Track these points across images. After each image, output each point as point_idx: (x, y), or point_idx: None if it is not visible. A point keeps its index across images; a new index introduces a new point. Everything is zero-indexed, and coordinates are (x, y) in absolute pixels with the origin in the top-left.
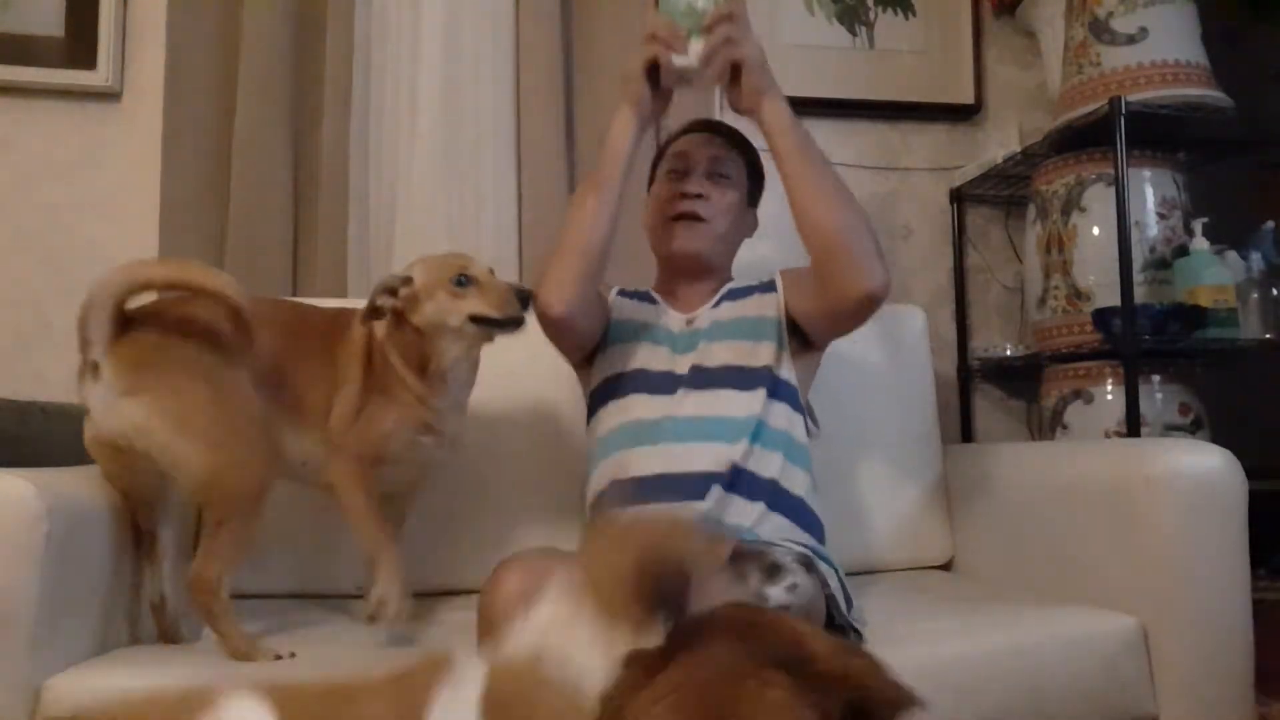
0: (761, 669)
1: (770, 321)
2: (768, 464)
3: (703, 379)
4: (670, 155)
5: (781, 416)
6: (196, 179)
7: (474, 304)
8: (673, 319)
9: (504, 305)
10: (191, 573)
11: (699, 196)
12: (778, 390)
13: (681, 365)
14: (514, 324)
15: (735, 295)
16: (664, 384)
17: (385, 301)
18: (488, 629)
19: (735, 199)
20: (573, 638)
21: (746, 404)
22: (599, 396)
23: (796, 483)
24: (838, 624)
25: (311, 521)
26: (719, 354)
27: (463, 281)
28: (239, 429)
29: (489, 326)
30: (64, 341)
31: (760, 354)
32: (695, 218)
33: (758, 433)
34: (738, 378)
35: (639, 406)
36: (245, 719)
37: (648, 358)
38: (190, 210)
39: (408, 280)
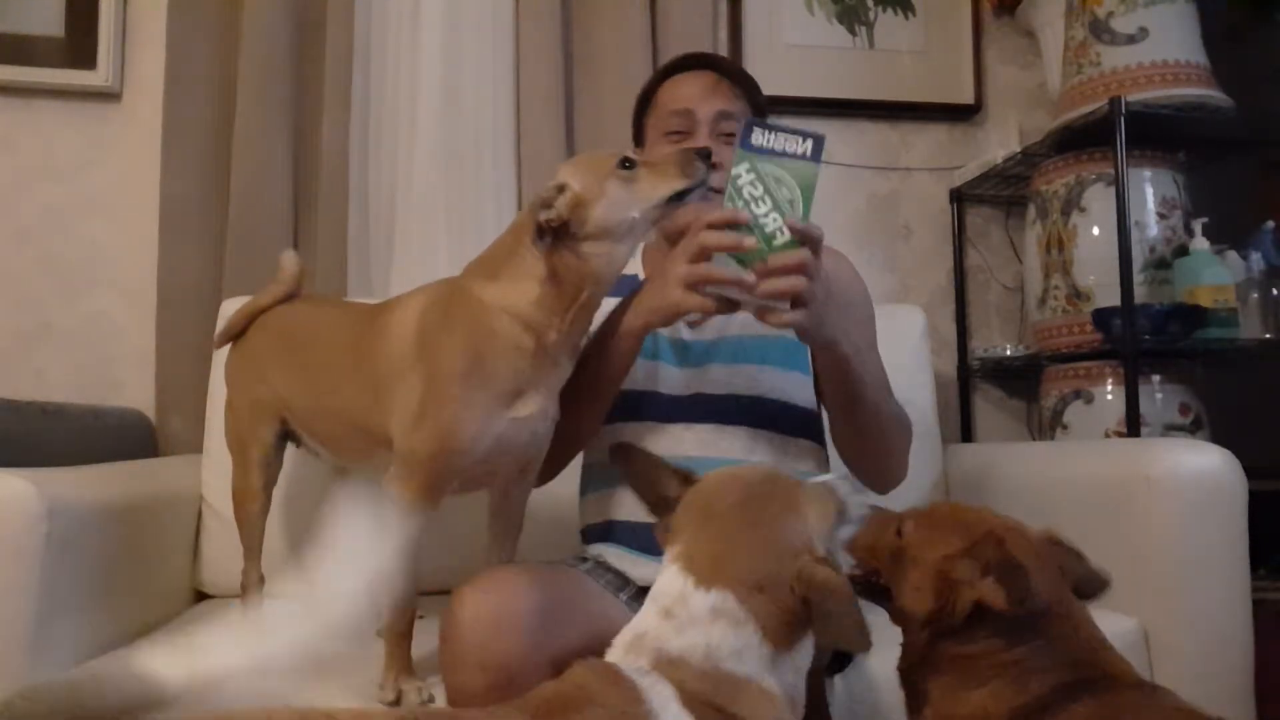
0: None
1: (790, 346)
2: None
3: (710, 411)
4: (668, 112)
5: (796, 453)
6: (196, 179)
7: (659, 184)
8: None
9: (691, 170)
10: None
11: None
12: (802, 426)
13: (678, 384)
14: (703, 186)
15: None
16: (655, 409)
17: (549, 215)
18: (452, 653)
19: None
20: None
21: (760, 445)
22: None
23: None
24: None
25: (311, 522)
26: (732, 380)
27: (629, 164)
28: None
29: (679, 200)
30: (64, 341)
31: (783, 385)
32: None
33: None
34: (752, 413)
35: (647, 437)
36: None
37: (649, 376)
38: (190, 210)
39: (561, 188)
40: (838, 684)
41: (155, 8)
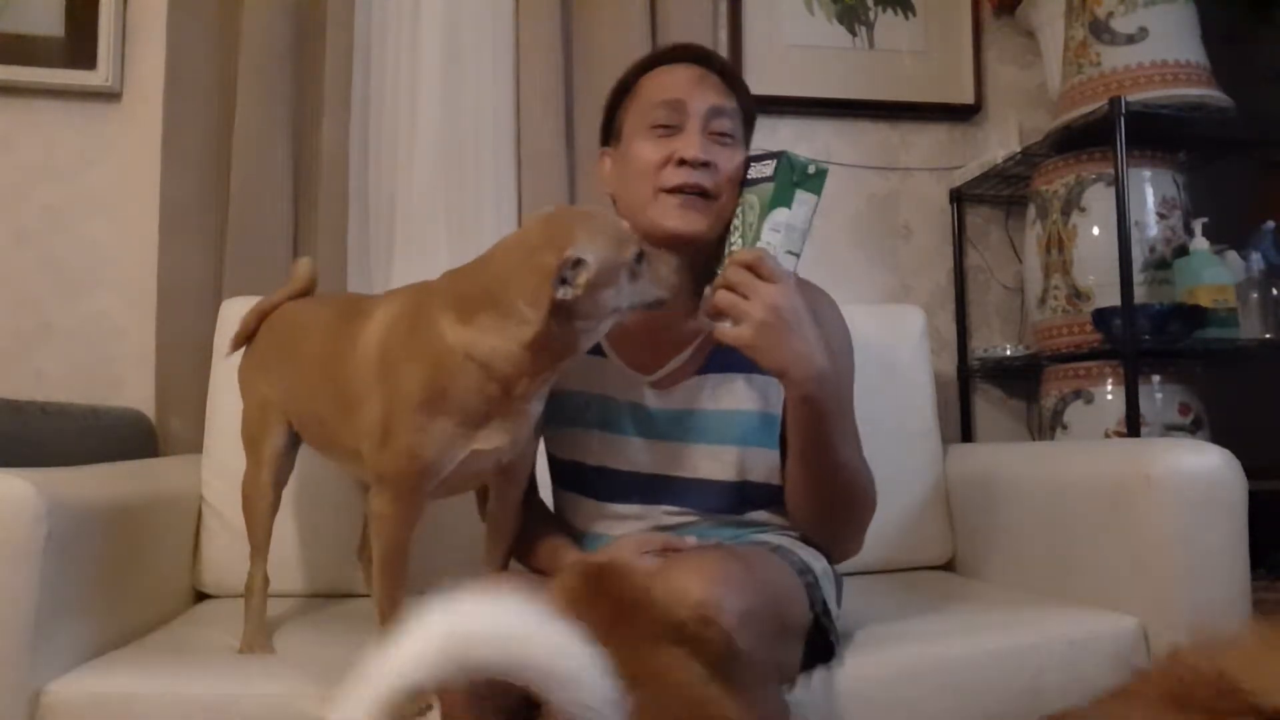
0: (659, 645)
1: (773, 421)
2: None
3: (683, 496)
4: (656, 102)
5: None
6: (196, 179)
7: (649, 287)
8: (629, 382)
9: (672, 282)
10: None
11: (705, 165)
12: (771, 500)
13: (641, 459)
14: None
15: (729, 365)
16: (631, 491)
17: (568, 294)
18: None
19: (740, 163)
20: None
21: (735, 518)
22: (559, 474)
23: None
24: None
25: (314, 521)
26: (704, 465)
27: (641, 259)
28: None
29: (651, 308)
30: (64, 341)
31: (759, 468)
32: (702, 194)
33: (741, 536)
34: (728, 498)
35: (604, 520)
36: None
37: (604, 450)
38: (190, 210)
39: (579, 263)
40: (816, 684)
41: (155, 8)
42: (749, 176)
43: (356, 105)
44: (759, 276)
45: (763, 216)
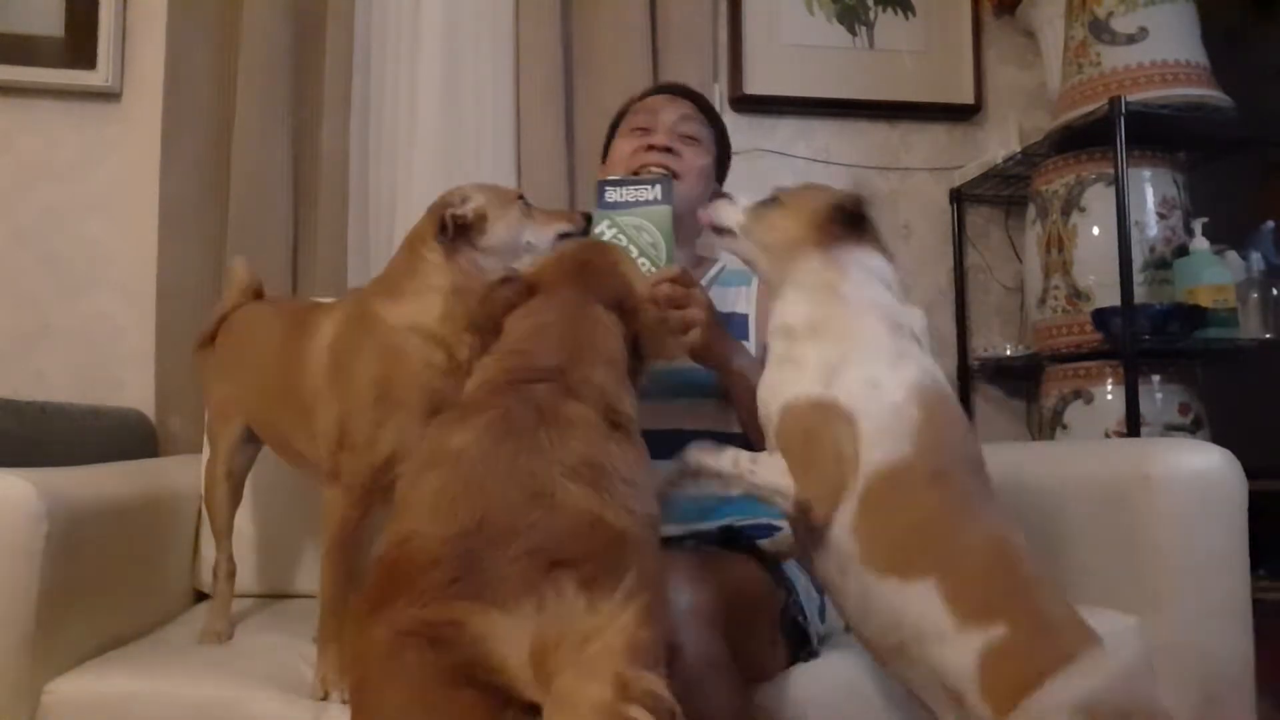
0: (595, 305)
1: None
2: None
3: (685, 386)
4: (633, 112)
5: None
6: (196, 179)
7: (554, 223)
8: None
9: (576, 220)
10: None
11: (668, 150)
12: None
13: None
14: (583, 233)
15: (723, 281)
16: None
17: (457, 211)
18: None
19: (707, 163)
20: None
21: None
22: None
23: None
24: (790, 615)
25: (306, 521)
26: (660, 416)
27: (528, 203)
28: None
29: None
30: (64, 341)
31: (715, 416)
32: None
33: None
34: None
35: None
36: None
37: None
38: (190, 210)
39: (466, 198)
40: (795, 681)
41: (155, 8)
42: (623, 199)
43: (356, 105)
44: (684, 285)
45: (667, 238)
